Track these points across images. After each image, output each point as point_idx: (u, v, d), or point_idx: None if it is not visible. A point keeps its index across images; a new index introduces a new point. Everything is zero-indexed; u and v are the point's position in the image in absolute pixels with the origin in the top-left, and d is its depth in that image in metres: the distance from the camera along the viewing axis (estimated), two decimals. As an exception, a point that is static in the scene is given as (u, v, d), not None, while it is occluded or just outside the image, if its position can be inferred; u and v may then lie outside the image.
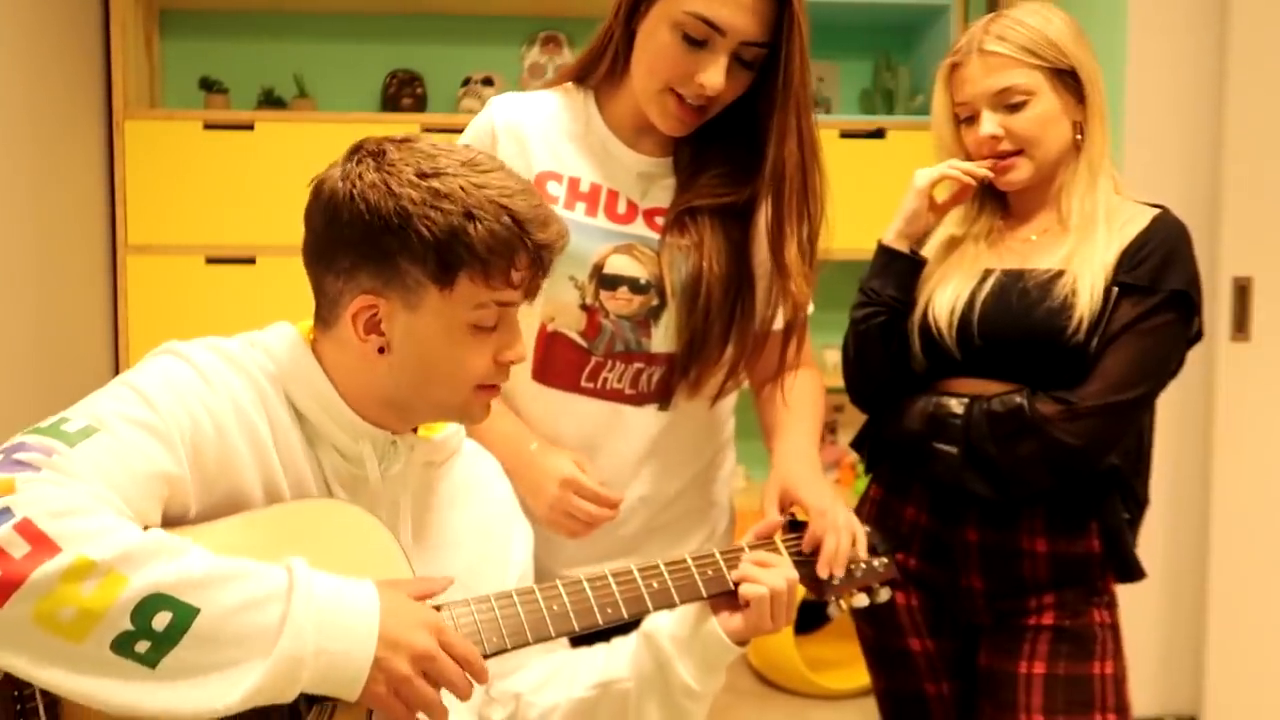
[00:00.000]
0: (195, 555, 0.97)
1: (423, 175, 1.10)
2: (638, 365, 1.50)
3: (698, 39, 1.37)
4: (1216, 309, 2.76)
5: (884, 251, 1.72)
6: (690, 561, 1.24)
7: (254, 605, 0.96)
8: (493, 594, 1.16)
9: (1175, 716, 2.95)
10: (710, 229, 1.46)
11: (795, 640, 3.25)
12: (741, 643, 1.26)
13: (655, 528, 1.58)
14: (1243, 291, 2.76)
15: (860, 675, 3.31)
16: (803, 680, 3.28)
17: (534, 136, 1.51)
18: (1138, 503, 1.68)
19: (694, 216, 1.47)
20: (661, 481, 1.56)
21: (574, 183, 1.49)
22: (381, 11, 3.73)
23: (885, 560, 1.35)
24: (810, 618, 3.60)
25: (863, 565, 1.33)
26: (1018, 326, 1.60)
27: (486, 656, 1.12)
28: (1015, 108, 1.62)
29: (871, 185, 3.55)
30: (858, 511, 1.81)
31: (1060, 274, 1.60)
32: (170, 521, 1.06)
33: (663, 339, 1.50)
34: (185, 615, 0.93)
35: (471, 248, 1.09)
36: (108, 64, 3.34)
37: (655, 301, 1.49)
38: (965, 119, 1.69)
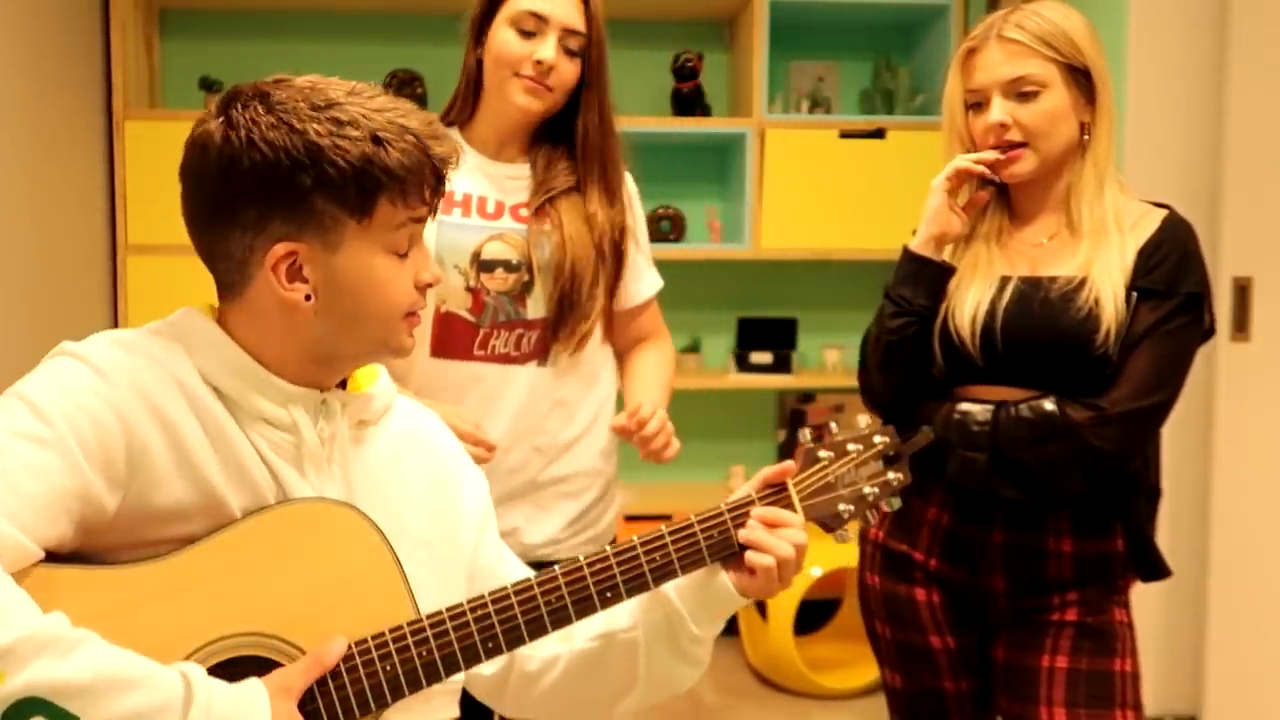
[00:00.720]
0: (87, 654, 0.92)
1: (318, 108, 1.06)
2: (518, 331, 1.81)
3: (530, 30, 1.76)
4: (1217, 309, 2.75)
5: (912, 259, 1.69)
6: (695, 524, 1.20)
7: (140, 718, 0.91)
8: (489, 594, 1.12)
9: (1175, 716, 2.95)
10: (566, 210, 1.81)
11: (795, 640, 3.25)
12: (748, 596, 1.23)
13: (550, 480, 1.86)
14: (1243, 291, 2.76)
15: (860, 675, 3.32)
16: (803, 680, 3.28)
17: None
18: (1151, 494, 1.69)
19: (551, 203, 1.81)
20: (552, 432, 1.84)
21: (449, 195, 1.73)
22: (381, 11, 3.73)
23: (899, 476, 1.27)
24: (811, 618, 3.61)
25: (876, 485, 1.27)
26: (1044, 335, 1.61)
27: (484, 659, 1.11)
28: (1026, 98, 1.62)
29: (871, 185, 3.56)
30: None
31: (1082, 282, 1.60)
32: (88, 528, 1.02)
33: (535, 307, 1.81)
34: None
35: (389, 170, 1.07)
36: (108, 64, 3.34)
37: (526, 278, 1.81)
38: (974, 105, 1.68)
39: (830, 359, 3.79)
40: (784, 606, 3.23)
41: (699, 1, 3.59)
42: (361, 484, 1.18)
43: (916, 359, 1.70)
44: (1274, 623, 2.78)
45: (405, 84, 3.64)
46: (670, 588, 1.23)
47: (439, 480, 1.27)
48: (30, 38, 2.81)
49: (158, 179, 3.30)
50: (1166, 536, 2.91)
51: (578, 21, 1.77)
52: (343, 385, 1.22)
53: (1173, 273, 1.59)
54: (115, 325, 3.36)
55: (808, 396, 3.94)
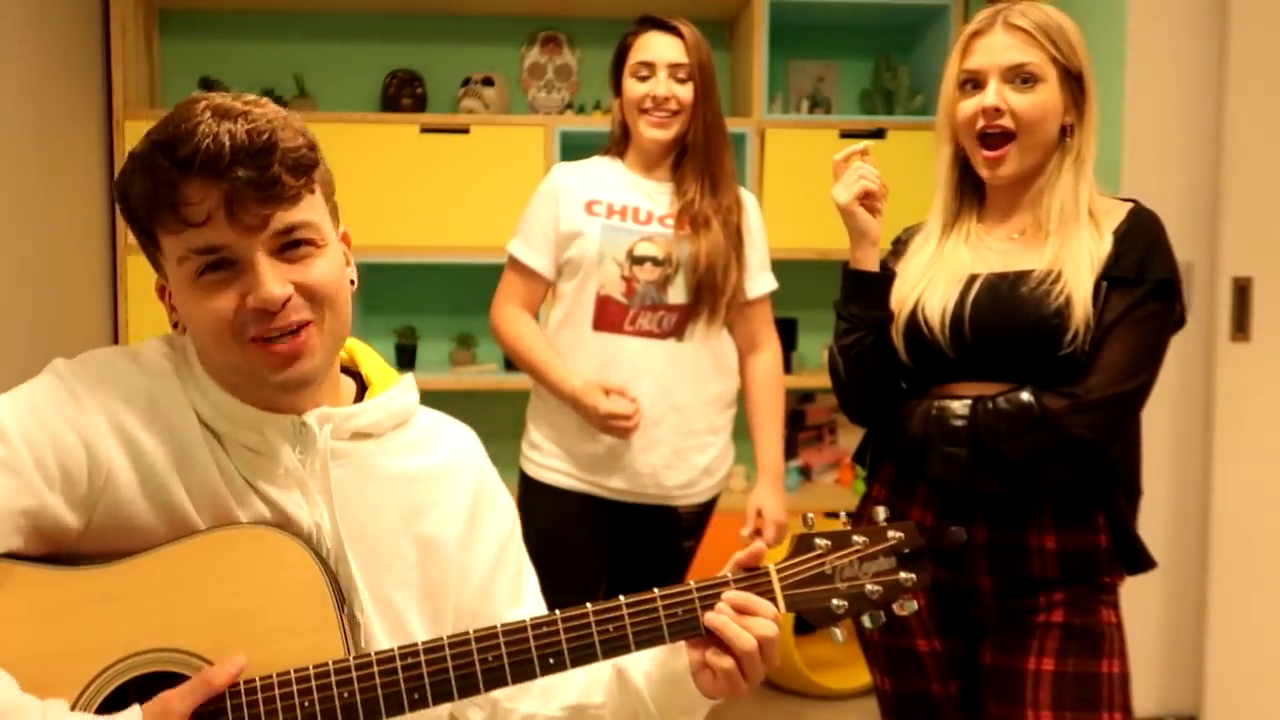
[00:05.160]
0: None
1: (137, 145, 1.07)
2: (661, 313, 2.28)
3: (644, 75, 2.26)
4: (1216, 309, 2.76)
5: (852, 276, 1.73)
6: (658, 598, 1.11)
7: None
8: (422, 644, 1.07)
9: (1175, 716, 2.95)
10: (701, 219, 2.27)
11: (795, 640, 3.25)
12: (712, 698, 1.15)
13: (684, 434, 2.31)
14: (1243, 291, 2.75)
15: (860, 675, 3.32)
16: (803, 680, 3.28)
17: (585, 182, 2.33)
18: (1131, 492, 1.69)
19: (690, 213, 2.27)
20: (688, 394, 2.30)
21: (610, 204, 2.30)
22: (381, 11, 3.73)
23: (913, 576, 1.15)
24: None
25: (881, 584, 1.15)
26: (1015, 327, 1.61)
27: (407, 710, 1.06)
28: (1025, 86, 1.64)
29: (871, 185, 3.56)
30: (859, 513, 1.81)
31: (1052, 275, 1.61)
32: (53, 542, 1.04)
33: (675, 294, 2.28)
34: None
35: (141, 202, 1.04)
36: (108, 64, 3.34)
37: (669, 271, 2.27)
38: (966, 85, 1.69)
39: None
40: (784, 606, 3.22)
41: (698, 1, 3.59)
42: (349, 506, 1.15)
43: (882, 368, 1.72)
44: (1273, 622, 2.78)
45: (405, 84, 3.64)
46: (642, 679, 1.18)
47: (453, 511, 1.21)
48: (30, 37, 2.81)
49: (158, 179, 3.31)
50: (1166, 536, 2.93)
51: (679, 56, 2.25)
52: (362, 394, 1.20)
53: (1141, 260, 1.60)
54: (115, 325, 3.36)
55: (807, 397, 3.94)
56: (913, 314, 1.69)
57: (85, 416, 1.05)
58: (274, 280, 1.04)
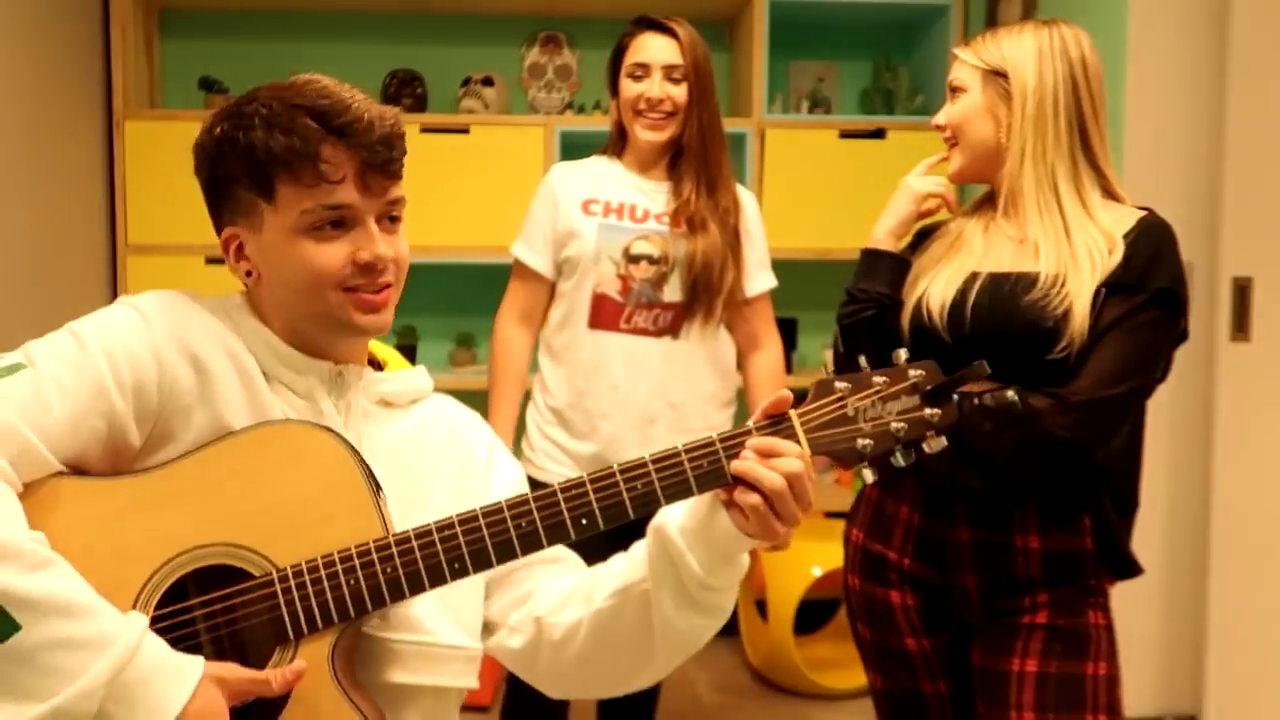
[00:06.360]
0: (48, 575, 0.98)
1: (235, 105, 1.17)
2: (656, 311, 2.29)
3: (640, 75, 2.28)
4: (1216, 309, 2.76)
5: (869, 254, 1.79)
6: (682, 452, 1.12)
7: (70, 646, 0.97)
8: (457, 516, 1.12)
9: (1175, 716, 2.95)
10: (698, 219, 2.28)
11: (795, 640, 3.25)
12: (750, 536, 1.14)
13: (680, 431, 2.24)
14: (1243, 291, 2.75)
15: (859, 675, 3.30)
16: (803, 680, 3.28)
17: (583, 181, 2.35)
18: (1127, 504, 1.68)
19: (686, 212, 2.28)
20: (684, 392, 2.31)
21: (607, 203, 2.31)
22: (381, 11, 3.73)
23: (937, 412, 1.12)
24: (811, 618, 3.61)
25: (906, 421, 1.12)
26: (1011, 329, 1.61)
27: (449, 580, 1.11)
28: (953, 96, 1.75)
29: (871, 185, 3.55)
30: (853, 512, 1.83)
31: (1056, 280, 1.61)
32: (118, 451, 1.11)
33: (670, 293, 2.29)
34: (7, 627, 0.96)
35: (275, 155, 1.13)
36: (108, 64, 3.34)
37: (665, 269, 2.28)
38: None
39: (830, 359, 3.79)
40: (784, 606, 3.23)
41: (698, 1, 3.59)
42: (379, 454, 1.21)
43: (878, 346, 1.72)
44: (1274, 622, 2.78)
45: (405, 84, 3.64)
46: (672, 527, 1.17)
47: (468, 465, 1.31)
48: (30, 38, 2.81)
49: (158, 179, 3.31)
50: (1166, 535, 2.93)
51: (674, 57, 2.26)
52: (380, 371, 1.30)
53: (1144, 269, 1.60)
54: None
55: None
56: (919, 301, 1.70)
57: (155, 335, 1.12)
58: (383, 242, 1.18)
